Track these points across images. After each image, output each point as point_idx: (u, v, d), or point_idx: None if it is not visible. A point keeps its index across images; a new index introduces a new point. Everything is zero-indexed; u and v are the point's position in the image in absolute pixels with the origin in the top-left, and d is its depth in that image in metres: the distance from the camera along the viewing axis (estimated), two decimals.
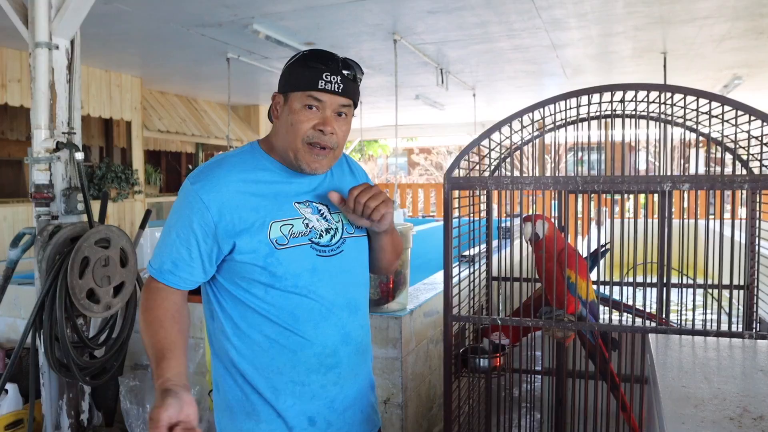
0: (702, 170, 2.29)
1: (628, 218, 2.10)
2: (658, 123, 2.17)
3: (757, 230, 2.23)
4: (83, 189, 2.55)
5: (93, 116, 7.02)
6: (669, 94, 1.95)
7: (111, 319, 2.71)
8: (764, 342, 1.63)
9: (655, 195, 2.01)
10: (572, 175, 1.94)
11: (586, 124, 2.22)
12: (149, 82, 7.86)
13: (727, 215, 2.31)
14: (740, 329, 2.01)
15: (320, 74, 1.29)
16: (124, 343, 2.72)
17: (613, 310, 2.33)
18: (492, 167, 2.42)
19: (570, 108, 2.06)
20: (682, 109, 1.99)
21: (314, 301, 1.33)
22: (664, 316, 2.07)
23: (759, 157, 2.10)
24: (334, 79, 1.29)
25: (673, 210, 2.20)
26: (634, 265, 2.05)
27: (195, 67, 6.95)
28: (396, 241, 1.53)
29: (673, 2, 4.61)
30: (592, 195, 2.40)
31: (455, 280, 2.12)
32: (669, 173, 2.02)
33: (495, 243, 2.69)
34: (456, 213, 2.10)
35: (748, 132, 1.92)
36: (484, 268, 2.52)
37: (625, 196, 1.93)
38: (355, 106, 1.38)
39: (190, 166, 11.10)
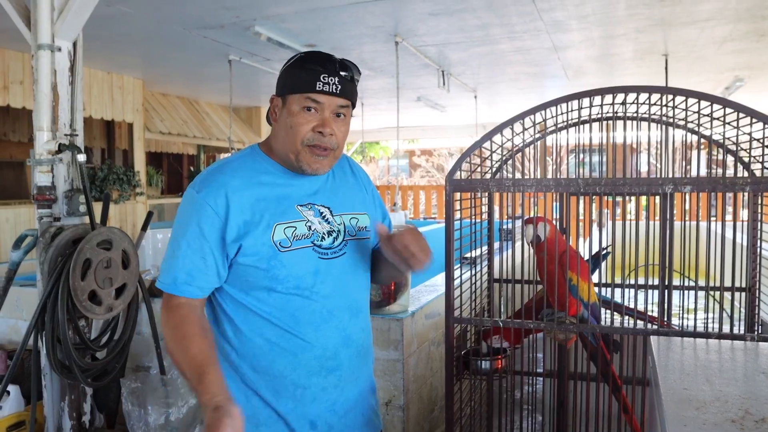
0: (703, 172, 2.29)
1: (630, 220, 2.10)
2: (659, 125, 2.17)
3: (758, 232, 2.22)
4: (85, 191, 2.56)
5: (95, 118, 7.03)
6: (670, 97, 1.95)
7: (113, 321, 2.71)
8: (766, 344, 1.63)
9: (657, 197, 2.01)
10: (574, 177, 1.95)
11: (587, 126, 2.23)
12: (151, 83, 7.87)
13: (729, 217, 2.31)
14: (742, 331, 2.00)
15: (318, 76, 1.29)
16: (125, 344, 2.73)
17: (615, 313, 2.33)
18: (493, 169, 2.42)
19: (571, 110, 2.07)
20: (684, 112, 1.99)
21: (316, 303, 1.33)
22: (665, 318, 2.07)
23: (761, 159, 2.10)
24: (331, 80, 1.30)
25: (675, 212, 2.20)
26: (636, 268, 2.04)
27: (197, 68, 6.96)
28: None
29: (674, 4, 4.61)
30: (594, 197, 2.40)
31: (457, 282, 2.13)
32: (670, 175, 2.02)
33: (496, 245, 2.69)
34: (457, 215, 2.10)
35: (750, 134, 1.92)
36: (485, 270, 2.53)
37: (627, 198, 1.93)
38: (354, 106, 1.38)
39: (192, 168, 11.10)
